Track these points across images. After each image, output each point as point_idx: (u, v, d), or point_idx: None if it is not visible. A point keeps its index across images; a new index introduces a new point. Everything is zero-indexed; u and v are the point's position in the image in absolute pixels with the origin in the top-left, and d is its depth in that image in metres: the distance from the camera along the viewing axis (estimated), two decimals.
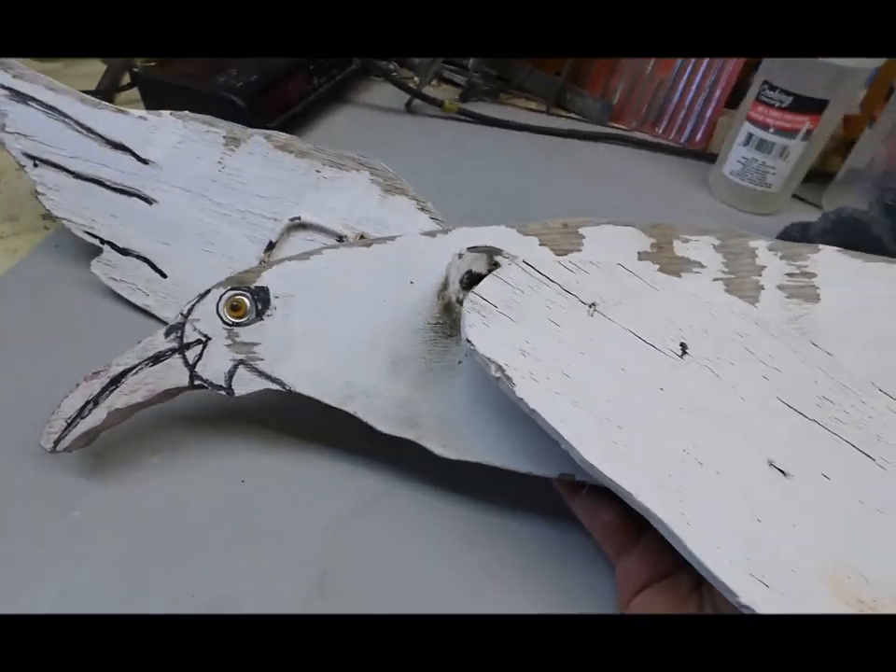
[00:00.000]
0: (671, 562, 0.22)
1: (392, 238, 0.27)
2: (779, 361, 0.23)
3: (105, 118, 0.34)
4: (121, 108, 0.34)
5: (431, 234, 0.27)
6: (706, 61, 0.56)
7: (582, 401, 0.22)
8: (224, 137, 0.33)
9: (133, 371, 0.26)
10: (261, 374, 0.26)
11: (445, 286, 0.26)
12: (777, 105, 0.45)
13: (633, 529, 0.24)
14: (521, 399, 0.22)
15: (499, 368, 0.22)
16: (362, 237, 0.32)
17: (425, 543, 0.27)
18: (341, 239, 0.32)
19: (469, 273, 0.26)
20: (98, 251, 0.35)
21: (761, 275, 0.26)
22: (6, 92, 0.34)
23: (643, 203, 0.50)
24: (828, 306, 0.26)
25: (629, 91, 0.60)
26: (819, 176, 0.53)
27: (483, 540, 0.27)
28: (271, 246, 0.32)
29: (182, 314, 0.26)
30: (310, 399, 0.26)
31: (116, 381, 0.26)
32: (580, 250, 0.27)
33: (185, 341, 0.26)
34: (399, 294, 0.26)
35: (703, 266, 0.26)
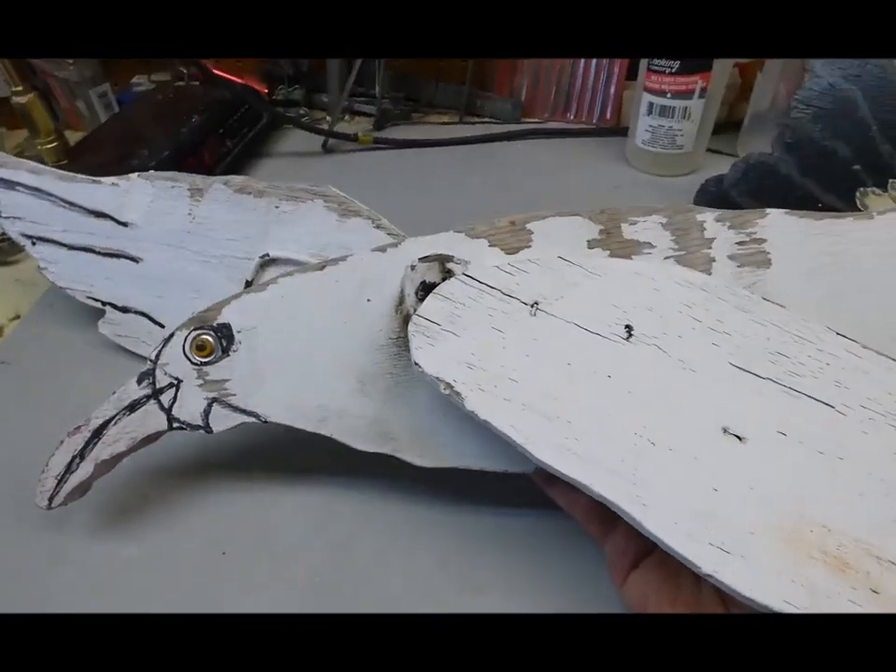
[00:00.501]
0: None
1: (343, 258, 0.27)
2: (728, 325, 0.23)
3: (82, 190, 0.35)
4: (95, 178, 0.36)
5: (382, 249, 0.27)
6: None
7: (531, 403, 0.22)
8: (188, 189, 0.35)
9: (113, 422, 0.26)
10: (236, 409, 0.27)
11: (402, 299, 0.26)
12: (668, 70, 0.46)
13: None
14: (472, 412, 0.22)
15: (448, 385, 0.23)
16: None
17: (410, 560, 0.27)
18: None
19: (424, 283, 0.26)
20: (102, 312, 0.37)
21: (711, 248, 0.26)
22: None
23: (571, 190, 0.51)
24: (779, 270, 0.26)
25: (534, 84, 0.62)
26: (730, 127, 0.54)
27: (464, 545, 0.27)
28: (248, 285, 0.33)
29: (151, 359, 0.26)
30: (287, 428, 0.27)
31: (97, 433, 0.26)
32: (529, 246, 0.27)
33: (157, 386, 0.26)
34: (357, 313, 0.27)
35: (653, 246, 0.26)
